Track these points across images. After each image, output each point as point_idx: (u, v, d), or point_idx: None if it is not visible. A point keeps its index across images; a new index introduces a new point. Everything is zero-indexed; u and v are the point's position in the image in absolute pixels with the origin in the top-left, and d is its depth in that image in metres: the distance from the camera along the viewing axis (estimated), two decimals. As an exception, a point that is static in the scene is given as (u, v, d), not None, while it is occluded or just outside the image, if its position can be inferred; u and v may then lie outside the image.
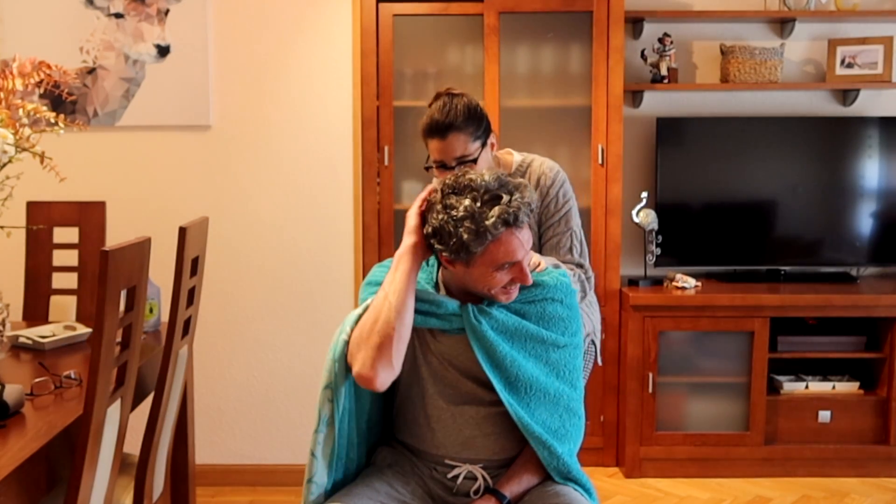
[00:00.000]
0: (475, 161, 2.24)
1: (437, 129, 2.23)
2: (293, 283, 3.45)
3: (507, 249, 1.76)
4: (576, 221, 2.38)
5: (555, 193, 2.37)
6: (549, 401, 1.85)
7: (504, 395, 1.80)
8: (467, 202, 1.75)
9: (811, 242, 3.88)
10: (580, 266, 2.35)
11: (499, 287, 1.81)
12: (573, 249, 2.35)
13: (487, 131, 2.29)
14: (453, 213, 1.75)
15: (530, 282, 1.81)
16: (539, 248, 2.37)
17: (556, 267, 2.12)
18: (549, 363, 1.88)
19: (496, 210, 1.73)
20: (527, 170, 2.41)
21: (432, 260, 1.94)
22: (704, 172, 3.84)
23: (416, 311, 1.81)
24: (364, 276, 3.50)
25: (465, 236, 1.73)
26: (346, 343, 1.81)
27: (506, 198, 1.74)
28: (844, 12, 3.81)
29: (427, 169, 2.32)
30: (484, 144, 2.27)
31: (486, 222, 1.72)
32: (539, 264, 2.03)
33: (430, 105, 2.31)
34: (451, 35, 3.73)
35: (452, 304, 1.83)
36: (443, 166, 2.26)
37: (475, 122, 2.25)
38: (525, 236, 1.78)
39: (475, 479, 1.84)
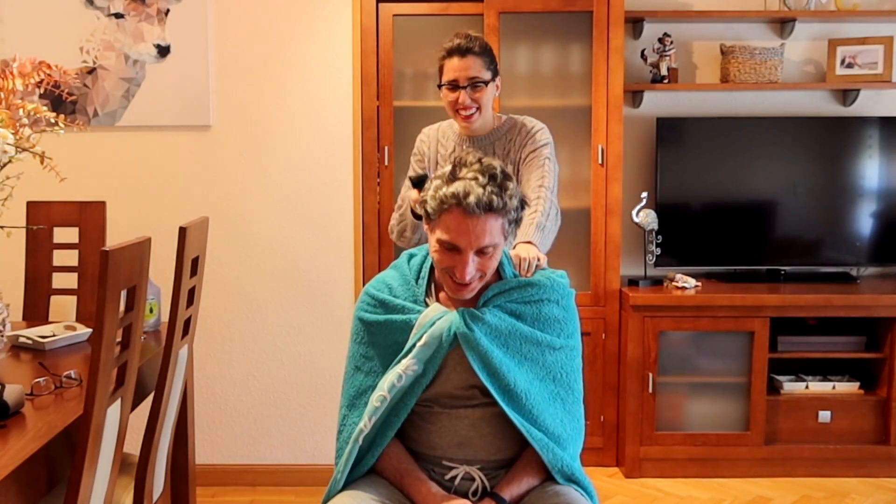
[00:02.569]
0: (485, 84, 2.50)
1: (459, 50, 2.50)
2: (293, 283, 3.45)
3: (451, 226, 1.76)
4: (548, 156, 2.58)
5: (533, 134, 2.60)
6: (546, 405, 1.84)
7: (505, 405, 1.79)
8: (450, 168, 1.80)
9: (811, 242, 3.88)
10: (541, 182, 2.51)
11: (444, 269, 1.81)
12: (543, 168, 2.54)
13: (497, 71, 2.58)
14: (440, 171, 1.82)
15: (465, 279, 1.79)
16: (517, 174, 2.58)
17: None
18: (545, 366, 1.87)
19: (459, 184, 1.75)
20: (516, 119, 2.66)
21: (424, 272, 1.94)
22: (704, 172, 3.84)
23: (419, 377, 1.83)
24: (364, 277, 3.51)
25: (430, 193, 1.80)
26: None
27: (482, 179, 1.75)
28: (844, 12, 3.81)
29: (439, 87, 2.57)
30: (493, 79, 2.55)
31: (444, 189, 1.77)
32: (524, 258, 2.02)
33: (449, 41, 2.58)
34: (450, 35, 3.72)
35: (443, 332, 1.82)
36: (454, 86, 2.51)
37: (490, 55, 2.54)
38: (477, 228, 1.75)
39: (473, 479, 1.84)
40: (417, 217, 2.47)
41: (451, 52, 2.52)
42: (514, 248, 2.20)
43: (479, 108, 2.53)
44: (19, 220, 2.73)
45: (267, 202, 3.43)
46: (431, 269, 1.94)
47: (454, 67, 2.51)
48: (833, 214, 3.86)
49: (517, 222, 1.85)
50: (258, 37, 3.37)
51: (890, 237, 3.85)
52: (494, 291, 1.89)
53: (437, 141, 2.69)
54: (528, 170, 2.56)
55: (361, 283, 3.46)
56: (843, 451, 3.59)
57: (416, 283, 1.94)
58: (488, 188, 1.75)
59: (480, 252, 1.79)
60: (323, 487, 1.93)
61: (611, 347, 3.67)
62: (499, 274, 1.94)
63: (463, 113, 2.53)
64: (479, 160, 1.80)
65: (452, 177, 1.78)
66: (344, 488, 1.84)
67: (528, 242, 2.24)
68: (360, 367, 1.92)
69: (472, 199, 1.73)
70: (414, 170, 2.70)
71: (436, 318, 1.84)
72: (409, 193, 2.54)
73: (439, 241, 1.79)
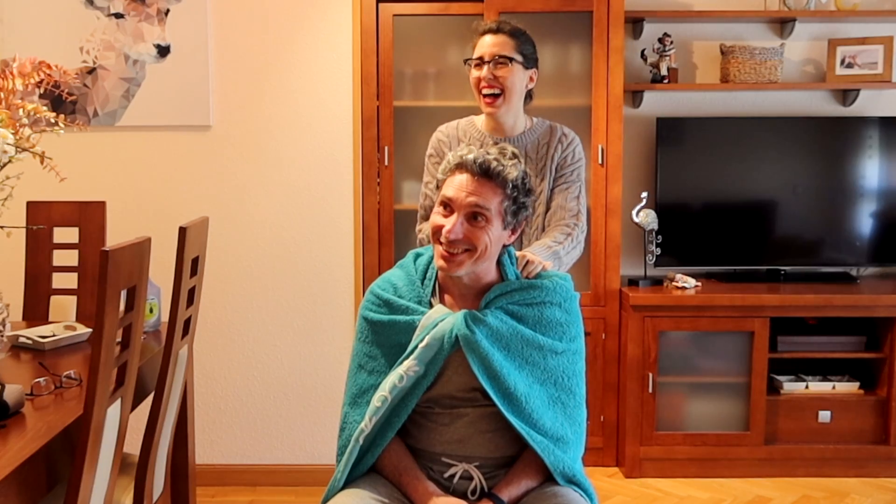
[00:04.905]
0: (510, 62, 2.41)
1: (490, 28, 2.46)
2: (293, 283, 3.45)
3: (451, 183, 1.84)
4: (583, 179, 2.55)
5: (573, 148, 2.53)
6: (546, 409, 1.84)
7: (505, 409, 1.80)
8: (470, 146, 1.90)
9: (811, 242, 3.88)
10: (577, 216, 2.50)
11: (435, 230, 1.85)
12: (580, 198, 2.51)
13: (533, 60, 2.48)
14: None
15: (449, 236, 1.82)
16: (550, 190, 2.51)
17: (552, 246, 2.27)
18: (546, 370, 1.87)
19: (468, 150, 1.86)
20: (551, 125, 2.57)
21: (431, 272, 1.95)
22: (704, 172, 3.84)
23: (421, 377, 1.84)
24: (364, 277, 3.50)
25: (442, 165, 1.89)
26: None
27: (492, 151, 1.85)
28: (844, 12, 3.81)
29: (465, 62, 2.51)
30: (525, 66, 2.45)
31: (457, 152, 1.87)
32: (530, 261, 2.02)
33: None
34: (451, 35, 3.73)
35: (445, 334, 1.82)
36: (480, 62, 2.44)
37: (523, 40, 2.46)
38: (470, 186, 1.82)
39: (471, 478, 1.84)
40: None
41: (483, 32, 2.47)
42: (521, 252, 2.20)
43: (503, 92, 2.42)
44: (19, 220, 2.73)
45: (267, 202, 3.43)
46: (437, 269, 1.94)
47: (483, 44, 2.45)
48: (833, 214, 3.86)
49: (519, 210, 1.87)
50: (258, 37, 3.37)
51: (890, 237, 3.85)
52: (496, 293, 1.89)
53: (458, 140, 2.56)
54: (562, 194, 2.49)
55: (361, 283, 3.46)
56: (843, 451, 3.59)
57: (422, 283, 1.94)
58: (493, 153, 1.84)
59: (471, 218, 1.82)
60: (323, 487, 1.93)
61: (611, 347, 3.67)
62: (501, 276, 1.94)
63: (486, 91, 2.43)
64: (500, 148, 1.89)
65: (467, 152, 1.87)
66: (344, 487, 1.84)
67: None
68: (363, 365, 1.93)
69: (471, 156, 1.83)
70: (431, 174, 2.56)
71: (438, 320, 1.84)
72: None
73: (439, 204, 1.86)
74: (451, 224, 1.81)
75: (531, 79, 2.48)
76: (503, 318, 1.86)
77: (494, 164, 1.82)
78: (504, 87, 2.42)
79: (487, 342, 1.82)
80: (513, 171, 1.84)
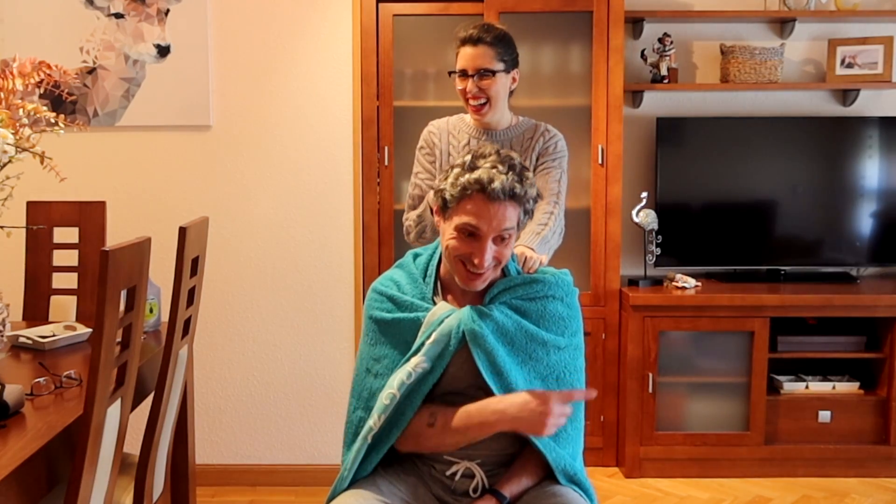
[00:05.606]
0: (493, 74, 2.49)
1: (471, 39, 2.51)
2: (293, 283, 3.45)
3: (473, 210, 1.78)
4: (565, 169, 2.61)
5: (554, 141, 2.60)
6: None
7: None
8: (470, 157, 1.82)
9: (811, 242, 3.88)
10: (557, 195, 2.55)
11: (460, 256, 1.81)
12: (560, 181, 2.57)
13: (514, 62, 2.55)
14: (457, 161, 1.84)
15: (483, 266, 1.80)
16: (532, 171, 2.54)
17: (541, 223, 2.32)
18: (549, 366, 1.87)
19: (482, 172, 1.78)
20: (536, 123, 2.64)
21: (431, 270, 1.95)
22: (704, 172, 3.84)
23: (430, 363, 1.83)
24: (364, 277, 3.50)
25: (450, 180, 1.81)
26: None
27: (501, 168, 1.78)
28: (844, 12, 3.81)
29: (450, 74, 2.58)
30: (507, 71, 2.53)
31: (467, 176, 1.78)
32: (529, 257, 2.05)
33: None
34: (451, 35, 3.72)
35: (452, 329, 1.82)
36: (464, 74, 2.52)
37: (505, 45, 2.52)
38: (498, 214, 1.78)
39: (473, 476, 1.84)
40: None
41: (463, 42, 2.52)
42: (516, 247, 2.21)
43: (489, 101, 2.52)
44: (19, 220, 2.73)
45: (267, 202, 3.43)
46: (438, 267, 1.94)
47: (465, 56, 2.52)
48: (833, 214, 3.86)
49: (530, 214, 1.88)
50: (258, 37, 3.37)
51: (890, 237, 3.85)
52: (500, 288, 1.89)
53: (448, 133, 2.65)
54: (542, 177, 2.55)
55: (362, 283, 3.46)
56: (843, 451, 3.59)
57: (423, 281, 1.94)
58: (510, 176, 1.78)
59: (498, 239, 1.81)
60: (323, 487, 1.93)
61: (611, 347, 3.67)
62: (503, 272, 1.94)
63: (472, 103, 2.53)
64: (497, 151, 1.83)
65: (472, 165, 1.81)
66: (349, 487, 1.84)
67: (530, 248, 2.26)
68: (370, 369, 1.92)
69: (496, 184, 1.76)
70: (421, 165, 2.65)
71: (444, 316, 1.84)
72: (430, 194, 2.53)
73: (458, 228, 1.80)
74: (481, 254, 1.79)
75: (514, 79, 2.57)
76: (508, 314, 1.86)
77: (518, 187, 1.78)
78: (489, 97, 2.52)
79: (493, 337, 1.82)
80: (531, 191, 1.83)
